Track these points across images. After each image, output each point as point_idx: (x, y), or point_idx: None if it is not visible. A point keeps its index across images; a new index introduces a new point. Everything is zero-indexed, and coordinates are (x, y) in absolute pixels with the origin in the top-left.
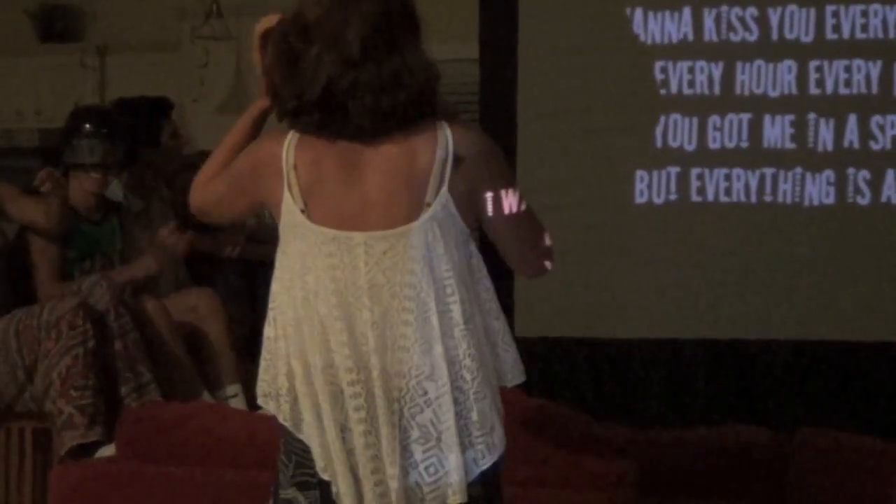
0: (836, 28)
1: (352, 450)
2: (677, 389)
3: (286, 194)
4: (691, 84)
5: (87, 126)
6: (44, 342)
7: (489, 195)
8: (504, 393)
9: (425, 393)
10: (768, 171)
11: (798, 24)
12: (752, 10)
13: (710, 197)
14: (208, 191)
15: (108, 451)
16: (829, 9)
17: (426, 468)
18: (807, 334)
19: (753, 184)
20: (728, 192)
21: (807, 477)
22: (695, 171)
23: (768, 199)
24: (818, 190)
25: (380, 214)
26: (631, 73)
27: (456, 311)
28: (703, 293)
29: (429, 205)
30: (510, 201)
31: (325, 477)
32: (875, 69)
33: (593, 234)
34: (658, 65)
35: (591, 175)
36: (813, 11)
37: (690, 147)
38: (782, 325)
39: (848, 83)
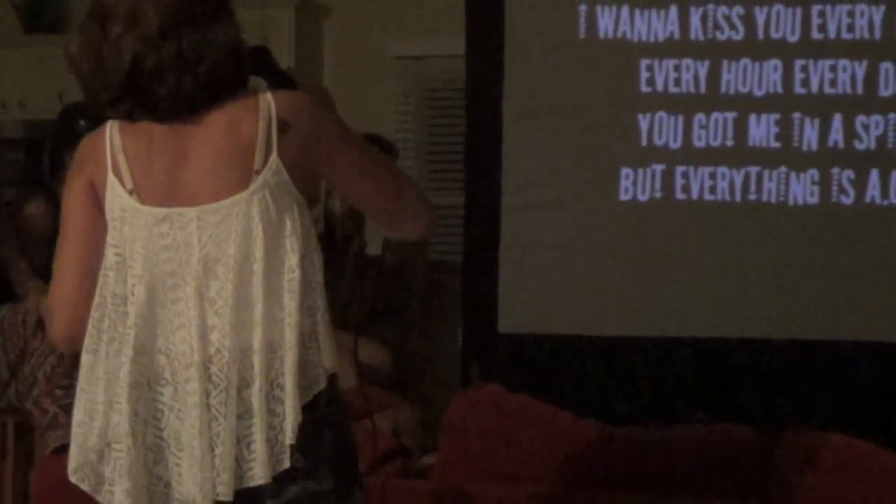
0: (822, 28)
1: (161, 437)
2: (662, 387)
3: (110, 178)
4: (677, 82)
5: (99, 123)
6: (30, 341)
7: (325, 152)
8: (487, 390)
9: (252, 369)
10: (753, 170)
11: (784, 24)
12: (738, 9)
13: (695, 195)
14: (76, 297)
15: None
16: (816, 8)
17: (246, 444)
18: (791, 333)
19: (738, 182)
20: (713, 190)
21: (791, 476)
22: (680, 170)
23: (752, 197)
24: (803, 189)
25: (210, 188)
26: (617, 71)
27: (285, 282)
28: (688, 291)
29: (258, 172)
30: (347, 154)
31: (74, 480)
32: (860, 69)
33: (578, 231)
34: (644, 63)
35: (576, 172)
36: (799, 11)
37: (676, 145)
38: (766, 323)
39: (833, 83)
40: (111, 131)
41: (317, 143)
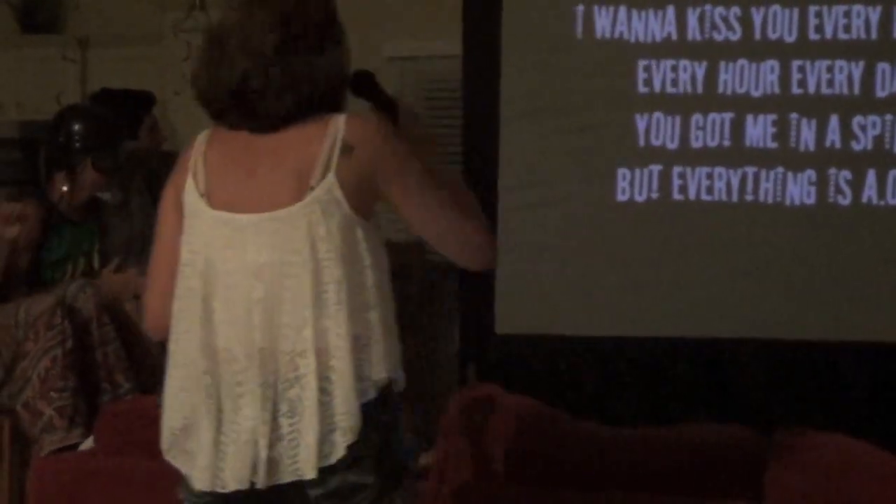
0: (819, 28)
1: (219, 423)
2: (656, 387)
3: (189, 180)
4: (674, 83)
5: (103, 129)
6: (22, 342)
7: (385, 180)
8: (485, 390)
9: (296, 369)
10: (750, 171)
11: (781, 24)
12: (735, 10)
13: (692, 195)
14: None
15: (87, 444)
16: (813, 9)
17: (290, 441)
18: (785, 333)
19: (735, 183)
20: (710, 190)
21: (784, 476)
22: (677, 170)
23: (749, 198)
24: (799, 190)
25: (270, 198)
26: (614, 72)
27: (331, 293)
28: (684, 292)
29: (312, 188)
30: (414, 193)
31: (169, 458)
32: (857, 70)
33: (575, 232)
34: (641, 63)
35: (572, 173)
36: (796, 12)
37: (673, 146)
38: (763, 324)
39: (830, 83)
40: (201, 139)
41: (378, 169)
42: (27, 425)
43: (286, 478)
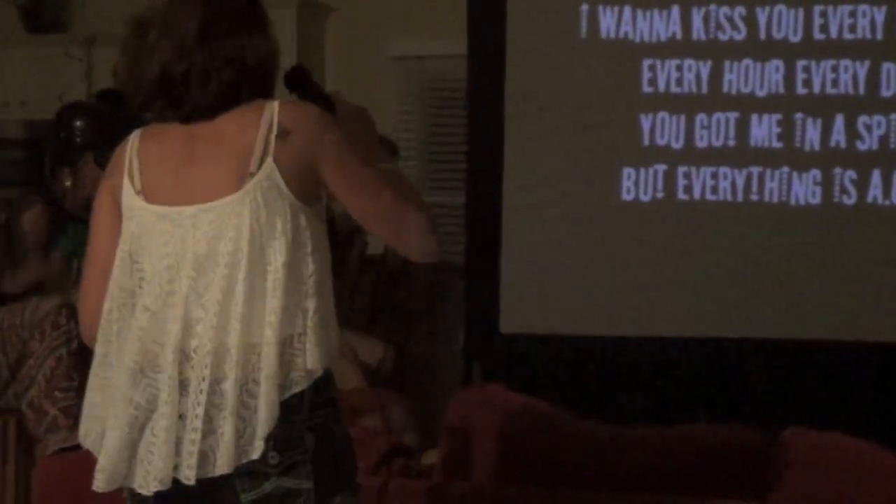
0: (824, 28)
1: (147, 419)
2: (661, 387)
3: (126, 180)
4: (679, 82)
5: (104, 125)
6: (29, 342)
7: (324, 164)
8: (489, 389)
9: (231, 360)
10: (755, 170)
11: (786, 24)
12: (740, 10)
13: (697, 195)
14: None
15: None
16: (818, 9)
17: (218, 435)
18: (791, 333)
19: (740, 183)
20: (714, 190)
21: (791, 476)
22: (681, 170)
23: (754, 198)
24: (804, 189)
25: (208, 188)
26: (619, 71)
27: (272, 280)
28: (689, 291)
29: (252, 174)
30: (351, 176)
31: (86, 444)
32: (862, 69)
33: (580, 231)
34: (646, 63)
35: (578, 172)
36: (801, 11)
37: (678, 145)
38: (768, 323)
39: (835, 83)
40: (134, 137)
41: (317, 153)
42: (32, 425)
43: (209, 472)
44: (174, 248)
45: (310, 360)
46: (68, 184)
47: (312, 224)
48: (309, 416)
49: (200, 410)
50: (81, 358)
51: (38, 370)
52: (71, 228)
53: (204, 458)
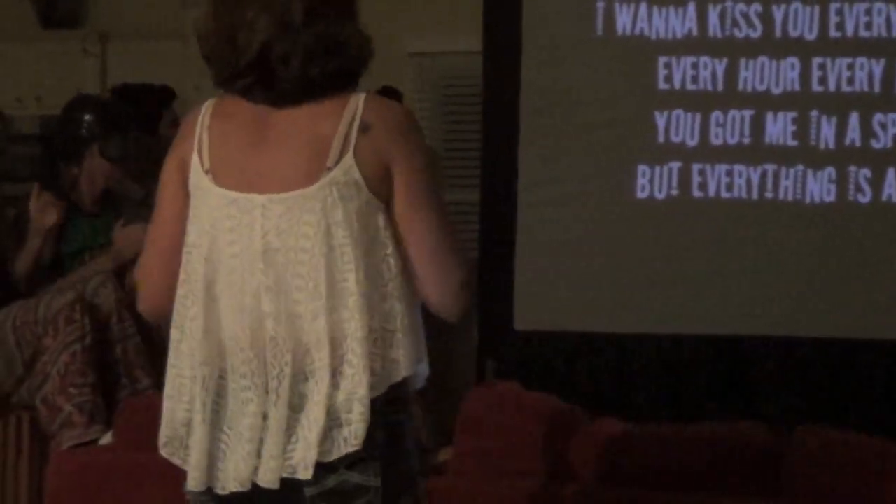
0: (840, 26)
1: (217, 419)
2: (676, 384)
3: (195, 156)
4: (694, 80)
5: (110, 117)
6: (43, 338)
7: (395, 167)
8: (503, 387)
9: (312, 362)
10: (770, 168)
11: (802, 22)
12: (756, 7)
13: (712, 193)
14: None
15: (106, 439)
16: (833, 6)
17: (290, 437)
18: (806, 331)
19: (755, 180)
20: (729, 188)
21: (803, 474)
22: (696, 167)
23: (769, 195)
24: (819, 187)
25: (281, 177)
26: (634, 68)
27: (351, 281)
28: (703, 289)
29: (329, 169)
30: (414, 188)
31: (165, 454)
32: (878, 67)
33: (594, 229)
34: (661, 60)
35: (592, 169)
36: (817, 9)
37: (692, 142)
38: (782, 321)
39: (850, 81)
40: (205, 111)
41: (392, 148)
42: (45, 421)
43: (286, 474)
44: (241, 235)
45: (393, 365)
46: (76, 176)
47: (392, 224)
48: (383, 413)
49: (277, 411)
50: (96, 354)
51: (53, 366)
52: (83, 223)
53: (276, 457)
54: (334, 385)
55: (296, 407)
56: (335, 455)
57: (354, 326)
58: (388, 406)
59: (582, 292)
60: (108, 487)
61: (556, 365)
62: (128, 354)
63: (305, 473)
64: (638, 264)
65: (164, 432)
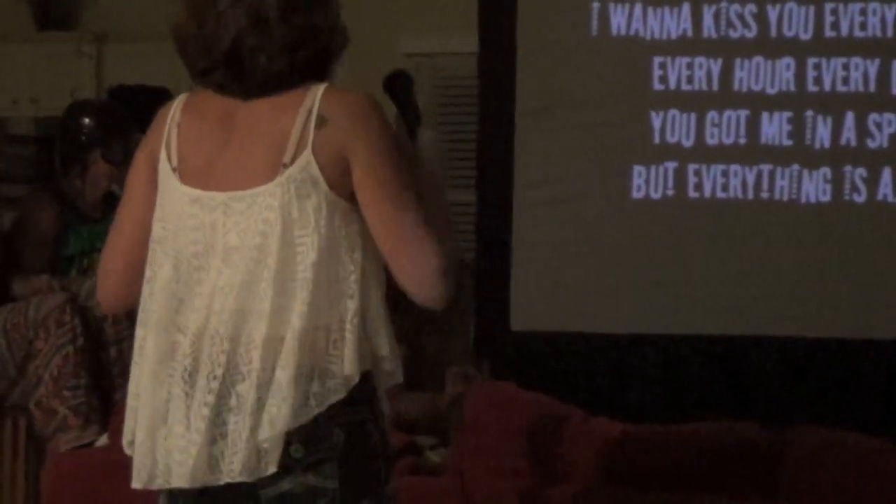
0: (835, 26)
1: (165, 416)
2: (672, 384)
3: (163, 152)
4: (690, 80)
5: (111, 121)
6: (34, 341)
7: (355, 158)
8: (500, 387)
9: (249, 362)
10: (765, 168)
11: (797, 22)
12: (751, 7)
13: (707, 193)
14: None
15: (102, 441)
16: (828, 6)
17: (233, 439)
18: (801, 331)
19: (750, 180)
20: (725, 188)
21: (799, 473)
22: (692, 167)
23: (765, 195)
24: (815, 187)
25: (242, 175)
26: (629, 69)
27: (300, 281)
28: (699, 289)
29: (285, 166)
30: (378, 179)
31: (130, 452)
32: (873, 67)
33: (590, 229)
34: (657, 60)
35: (588, 170)
36: (812, 9)
37: (688, 143)
38: (777, 321)
39: (846, 81)
40: (176, 106)
41: (350, 139)
42: (40, 424)
43: (223, 479)
44: (203, 234)
45: (347, 366)
46: (79, 183)
47: (353, 221)
48: (340, 411)
49: (209, 412)
50: (89, 355)
51: (45, 369)
52: (82, 228)
53: (219, 459)
54: (263, 387)
55: (234, 408)
56: (270, 470)
57: (300, 328)
58: (346, 405)
59: (578, 293)
60: (105, 490)
61: (553, 365)
62: (123, 356)
63: (244, 476)
64: (634, 265)
65: (128, 432)
